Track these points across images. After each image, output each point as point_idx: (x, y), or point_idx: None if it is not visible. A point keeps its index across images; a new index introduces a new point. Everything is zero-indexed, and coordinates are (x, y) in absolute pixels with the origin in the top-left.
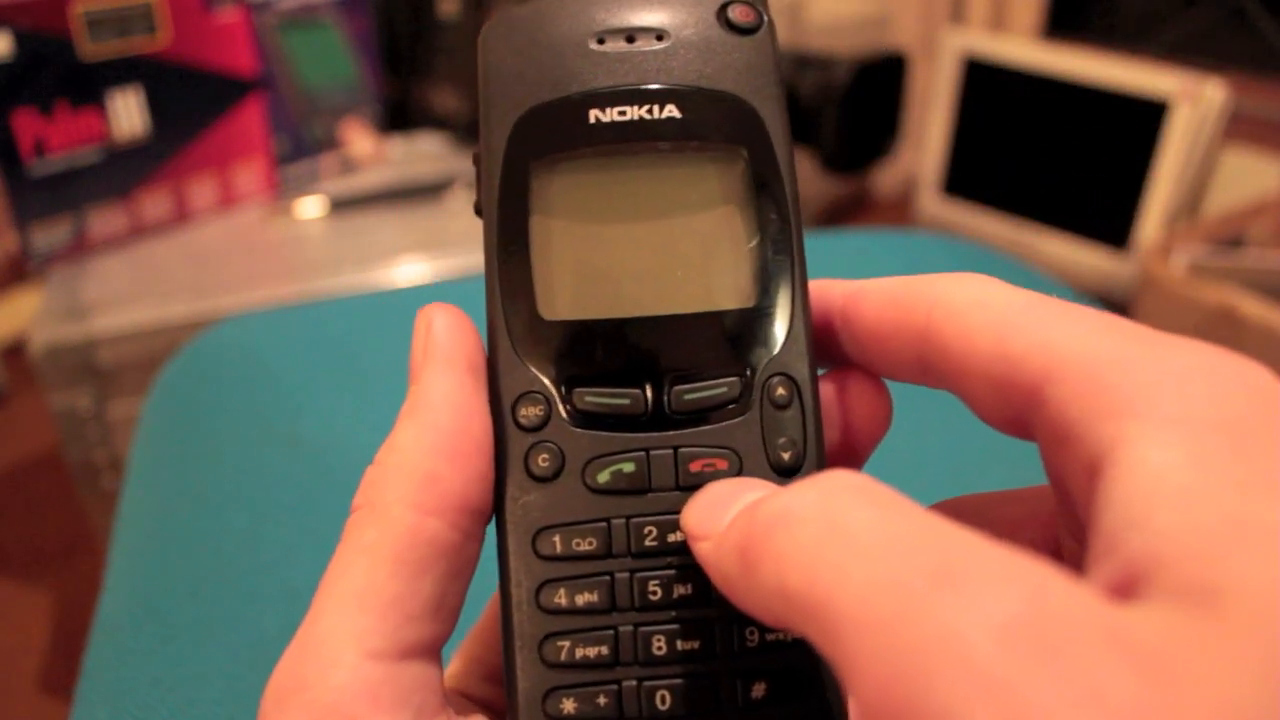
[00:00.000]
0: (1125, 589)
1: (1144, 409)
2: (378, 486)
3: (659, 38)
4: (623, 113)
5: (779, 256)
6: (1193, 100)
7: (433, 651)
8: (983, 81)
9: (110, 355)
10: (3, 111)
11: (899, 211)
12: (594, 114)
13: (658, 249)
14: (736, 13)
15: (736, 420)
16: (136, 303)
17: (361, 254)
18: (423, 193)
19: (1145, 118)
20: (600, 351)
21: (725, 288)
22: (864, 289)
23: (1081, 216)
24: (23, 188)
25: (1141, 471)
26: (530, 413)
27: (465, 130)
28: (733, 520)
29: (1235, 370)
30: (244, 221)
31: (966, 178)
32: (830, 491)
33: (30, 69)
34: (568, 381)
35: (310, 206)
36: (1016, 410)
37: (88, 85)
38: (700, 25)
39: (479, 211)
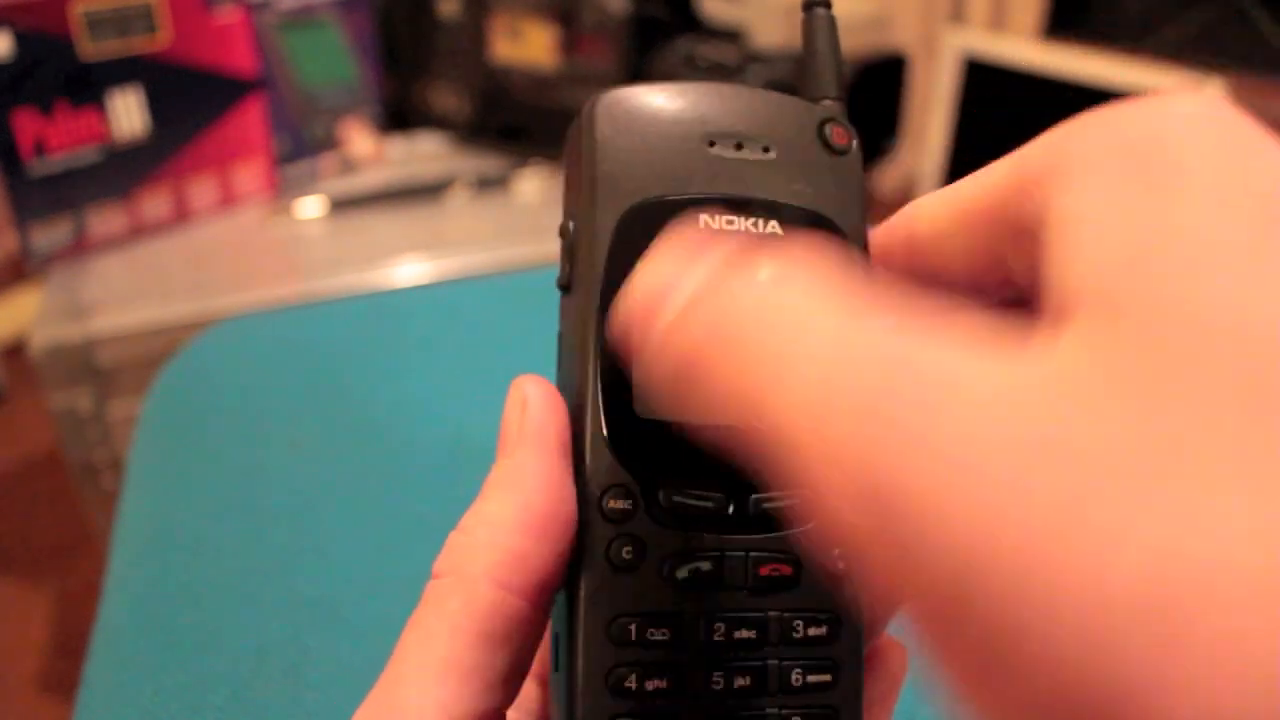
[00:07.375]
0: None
1: (1068, 169)
2: (465, 555)
3: (765, 149)
4: (730, 222)
5: None
6: None
7: (502, 716)
8: (983, 81)
9: (110, 355)
10: (3, 111)
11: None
12: (704, 219)
13: None
14: (833, 132)
15: (804, 529)
16: (136, 303)
17: (361, 254)
18: (423, 193)
19: None
20: (689, 453)
21: None
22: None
23: None
24: (23, 188)
25: (1065, 224)
26: (617, 505)
27: (465, 130)
28: (673, 321)
29: (1153, 112)
30: (244, 221)
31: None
32: (780, 280)
33: (30, 69)
34: (655, 478)
35: (310, 206)
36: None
37: (88, 85)
38: (801, 140)
39: (565, 288)
